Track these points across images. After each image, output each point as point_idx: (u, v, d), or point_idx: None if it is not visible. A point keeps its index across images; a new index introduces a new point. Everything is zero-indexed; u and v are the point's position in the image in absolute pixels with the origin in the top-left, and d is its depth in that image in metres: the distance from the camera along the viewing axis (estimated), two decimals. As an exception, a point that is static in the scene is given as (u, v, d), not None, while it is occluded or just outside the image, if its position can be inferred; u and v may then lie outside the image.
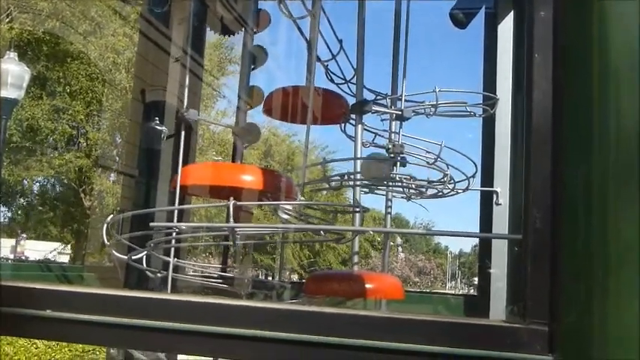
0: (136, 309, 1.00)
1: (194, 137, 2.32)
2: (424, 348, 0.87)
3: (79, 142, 14.32)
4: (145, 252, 1.35)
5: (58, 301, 1.00)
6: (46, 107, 13.17)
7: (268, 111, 1.94)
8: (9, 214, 17.98)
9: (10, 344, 9.61)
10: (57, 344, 10.05)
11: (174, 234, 1.51)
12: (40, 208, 16.88)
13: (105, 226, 1.29)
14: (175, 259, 1.56)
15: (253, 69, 1.84)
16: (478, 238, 2.39)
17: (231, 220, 1.12)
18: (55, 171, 13.76)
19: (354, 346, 0.89)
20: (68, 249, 17.78)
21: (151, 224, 1.21)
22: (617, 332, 0.80)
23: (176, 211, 1.52)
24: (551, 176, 0.89)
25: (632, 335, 0.78)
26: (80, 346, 9.54)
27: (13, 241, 19.79)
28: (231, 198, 1.13)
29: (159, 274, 1.56)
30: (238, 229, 1.19)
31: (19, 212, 17.52)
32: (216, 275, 1.84)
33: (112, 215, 1.28)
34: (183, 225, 1.27)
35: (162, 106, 2.11)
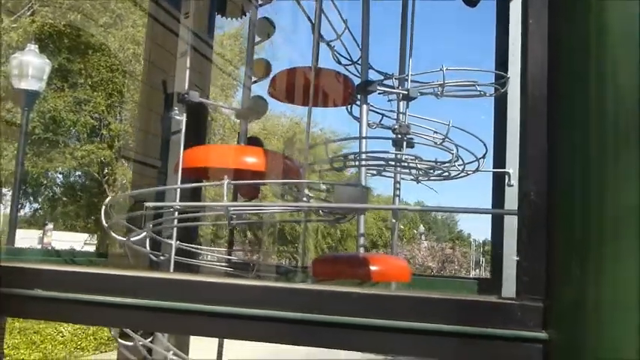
0: (128, 288, 0.99)
1: (202, 121, 2.31)
2: (411, 325, 0.84)
3: (102, 133, 14.46)
4: (144, 233, 1.34)
5: (48, 281, 0.99)
6: (68, 99, 13.32)
7: (273, 93, 1.92)
8: (34, 206, 18.28)
9: (37, 333, 9.81)
10: (82, 332, 10.24)
11: (175, 214, 1.50)
12: (65, 199, 17.10)
13: (103, 208, 1.29)
14: (178, 241, 1.55)
15: (260, 42, 1.82)
16: (491, 223, 2.35)
17: (226, 199, 1.10)
18: (78, 162, 13.93)
19: (338, 323, 0.87)
20: (95, 239, 18.02)
21: (146, 204, 1.20)
22: (613, 303, 0.76)
23: (178, 192, 1.51)
24: (547, 148, 0.85)
25: (628, 305, 0.75)
26: (105, 334, 9.70)
27: (40, 232, 20.16)
28: (225, 177, 1.11)
29: (162, 257, 1.55)
30: (233, 208, 1.18)
31: (45, 204, 17.79)
32: (224, 259, 1.83)
33: (109, 197, 1.27)
34: (177, 204, 1.25)
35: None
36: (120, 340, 1.38)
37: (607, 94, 0.81)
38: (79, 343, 10.16)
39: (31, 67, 7.51)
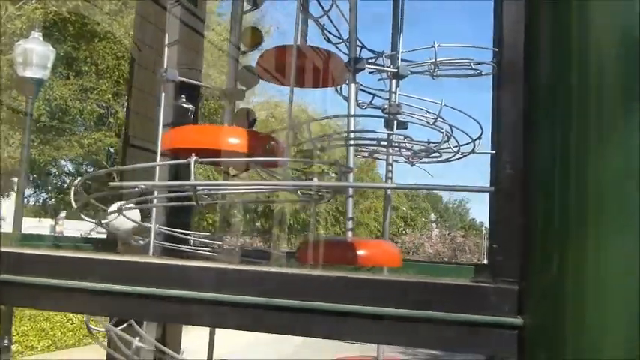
0: (90, 271, 0.94)
1: (193, 102, 2.24)
2: (378, 310, 0.78)
3: (109, 121, 14.43)
4: (117, 215, 1.29)
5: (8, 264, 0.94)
6: (74, 87, 13.29)
7: (260, 72, 1.85)
8: (45, 195, 18.34)
9: (47, 320, 9.87)
10: (93, 320, 10.28)
11: (156, 194, 1.45)
12: (74, 187, 17.06)
13: (73, 189, 1.23)
14: (157, 225, 1.50)
15: (250, 10, 1.74)
16: (489, 208, 2.27)
17: (193, 177, 1.04)
18: (85, 150, 13.92)
19: (304, 308, 0.81)
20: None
21: (110, 184, 1.14)
22: (595, 288, 0.69)
23: (157, 173, 1.46)
24: (523, 120, 0.78)
25: (612, 291, 0.68)
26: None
27: (53, 222, 20.30)
28: (193, 155, 1.05)
29: (141, 242, 1.50)
30: (200, 187, 1.12)
31: (54, 193, 17.84)
32: (207, 244, 1.78)
33: (79, 178, 1.22)
34: (142, 184, 1.20)
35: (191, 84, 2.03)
36: (91, 326, 1.33)
37: (590, 58, 0.74)
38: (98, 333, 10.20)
39: (35, 55, 7.47)
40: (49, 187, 17.57)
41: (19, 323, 9.37)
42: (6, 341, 6.94)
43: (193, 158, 1.06)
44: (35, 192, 17.83)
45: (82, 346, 9.99)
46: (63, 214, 19.79)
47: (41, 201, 18.47)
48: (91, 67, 13.33)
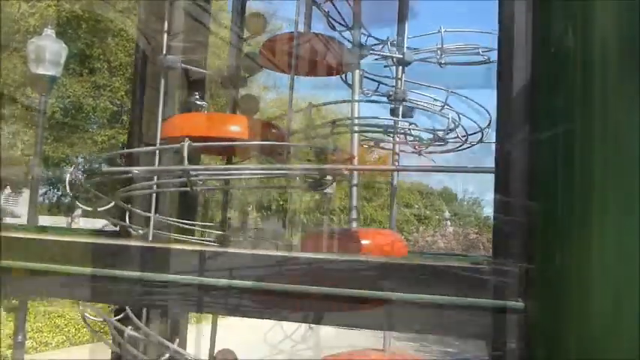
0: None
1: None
2: (374, 294, 0.75)
3: (122, 118, 14.50)
4: (112, 202, 1.27)
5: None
6: (87, 84, 13.37)
7: (263, 60, 1.82)
8: (58, 192, 18.46)
9: (61, 316, 9.91)
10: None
11: (155, 179, 1.42)
12: (87, 185, 17.18)
13: (68, 176, 1.21)
14: (157, 214, 1.47)
15: None
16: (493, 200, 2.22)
17: (186, 162, 1.01)
18: (99, 147, 14.00)
19: (292, 292, 0.77)
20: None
21: (103, 169, 1.11)
22: (598, 274, 0.65)
23: (157, 159, 1.43)
24: (528, 102, 0.74)
25: (613, 278, 0.64)
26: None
27: (69, 219, 20.48)
28: (186, 139, 1.02)
29: (140, 231, 1.47)
30: (194, 172, 1.09)
31: (69, 189, 17.95)
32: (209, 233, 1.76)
33: (73, 167, 1.19)
34: (135, 169, 1.17)
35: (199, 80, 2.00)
36: (87, 315, 1.30)
37: (594, 56, 0.69)
38: (102, 327, 10.24)
39: (48, 52, 7.50)
40: (63, 184, 17.69)
41: (33, 320, 9.43)
42: (20, 337, 6.98)
43: (186, 142, 1.03)
44: (50, 189, 17.97)
45: (95, 342, 10.04)
46: (78, 211, 19.94)
47: (55, 198, 18.59)
48: (103, 65, 13.41)
